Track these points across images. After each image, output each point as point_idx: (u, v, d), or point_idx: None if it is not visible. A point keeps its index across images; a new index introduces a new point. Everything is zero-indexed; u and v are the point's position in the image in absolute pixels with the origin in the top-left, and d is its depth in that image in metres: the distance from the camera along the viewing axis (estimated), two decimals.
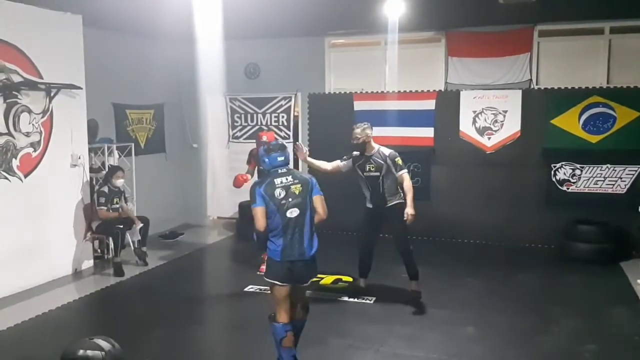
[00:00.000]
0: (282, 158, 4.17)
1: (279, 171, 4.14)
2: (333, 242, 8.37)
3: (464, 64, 8.32)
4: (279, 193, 4.04)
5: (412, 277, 5.91)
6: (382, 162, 5.76)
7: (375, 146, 5.85)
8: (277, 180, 4.09)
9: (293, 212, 4.04)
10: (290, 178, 4.12)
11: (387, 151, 5.83)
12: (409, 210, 5.64)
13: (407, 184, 5.74)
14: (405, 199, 5.72)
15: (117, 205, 7.10)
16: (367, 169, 5.80)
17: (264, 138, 6.43)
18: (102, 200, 6.93)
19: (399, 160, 5.78)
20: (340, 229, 8.46)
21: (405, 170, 5.82)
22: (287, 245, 4.04)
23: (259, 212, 4.03)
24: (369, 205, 5.90)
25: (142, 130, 8.90)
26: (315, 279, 4.78)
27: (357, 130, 5.80)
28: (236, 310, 5.83)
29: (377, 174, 5.77)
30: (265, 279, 4.15)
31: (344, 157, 5.96)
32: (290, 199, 4.04)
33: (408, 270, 5.89)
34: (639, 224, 7.12)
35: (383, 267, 6.51)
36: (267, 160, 4.17)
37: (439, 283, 6.47)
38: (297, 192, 4.07)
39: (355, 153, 5.88)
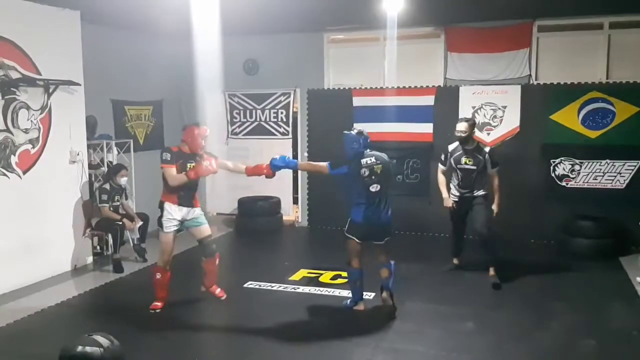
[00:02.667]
0: (368, 141, 5.19)
1: (365, 153, 5.13)
2: (332, 239, 8.38)
3: (463, 60, 8.31)
4: (364, 172, 5.06)
5: (490, 262, 6.25)
6: (481, 157, 6.16)
7: (475, 141, 6.29)
8: (363, 161, 5.09)
9: (375, 187, 5.08)
10: (373, 159, 5.12)
11: (486, 148, 6.32)
12: (495, 208, 6.24)
13: (497, 182, 6.23)
14: (489, 191, 6.25)
15: (118, 203, 7.12)
16: (463, 162, 6.19)
17: (208, 132, 5.74)
18: (105, 197, 6.94)
19: (495, 158, 6.22)
20: (339, 224, 8.47)
21: (498, 168, 6.22)
22: (368, 211, 5.10)
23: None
24: (455, 198, 6.35)
25: (140, 126, 8.89)
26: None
27: (464, 125, 6.18)
28: (235, 306, 5.83)
29: (474, 167, 6.16)
30: (346, 234, 5.25)
31: (441, 160, 6.43)
32: (373, 177, 5.07)
33: (487, 255, 6.26)
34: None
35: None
36: (361, 142, 5.11)
37: (438, 278, 6.48)
38: (379, 172, 5.10)
39: (452, 147, 6.30)
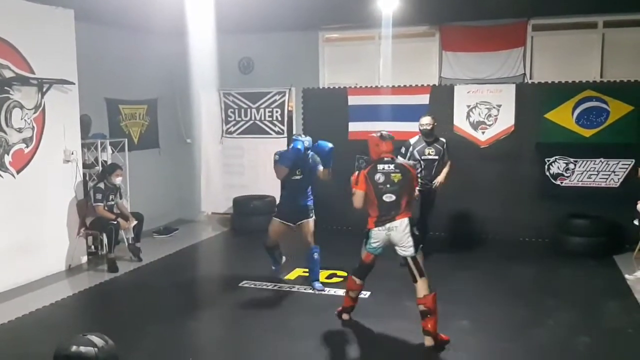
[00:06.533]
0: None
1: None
2: (326, 238, 8.38)
3: (458, 59, 8.32)
4: None
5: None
6: (441, 148, 6.86)
7: (434, 134, 6.90)
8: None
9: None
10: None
11: (442, 139, 6.98)
12: (439, 178, 6.81)
13: (448, 169, 6.93)
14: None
15: (112, 202, 7.09)
16: (427, 153, 6.82)
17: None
18: (99, 196, 6.91)
19: (449, 148, 6.99)
20: (333, 223, 8.48)
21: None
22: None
23: None
24: (419, 188, 6.52)
25: (135, 125, 8.86)
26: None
27: (429, 119, 6.86)
28: (231, 305, 5.82)
29: (436, 157, 6.84)
30: None
31: (401, 153, 6.63)
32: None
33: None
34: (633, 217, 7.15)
35: (378, 262, 6.50)
36: None
37: (433, 277, 6.45)
38: None
39: (413, 140, 6.87)
